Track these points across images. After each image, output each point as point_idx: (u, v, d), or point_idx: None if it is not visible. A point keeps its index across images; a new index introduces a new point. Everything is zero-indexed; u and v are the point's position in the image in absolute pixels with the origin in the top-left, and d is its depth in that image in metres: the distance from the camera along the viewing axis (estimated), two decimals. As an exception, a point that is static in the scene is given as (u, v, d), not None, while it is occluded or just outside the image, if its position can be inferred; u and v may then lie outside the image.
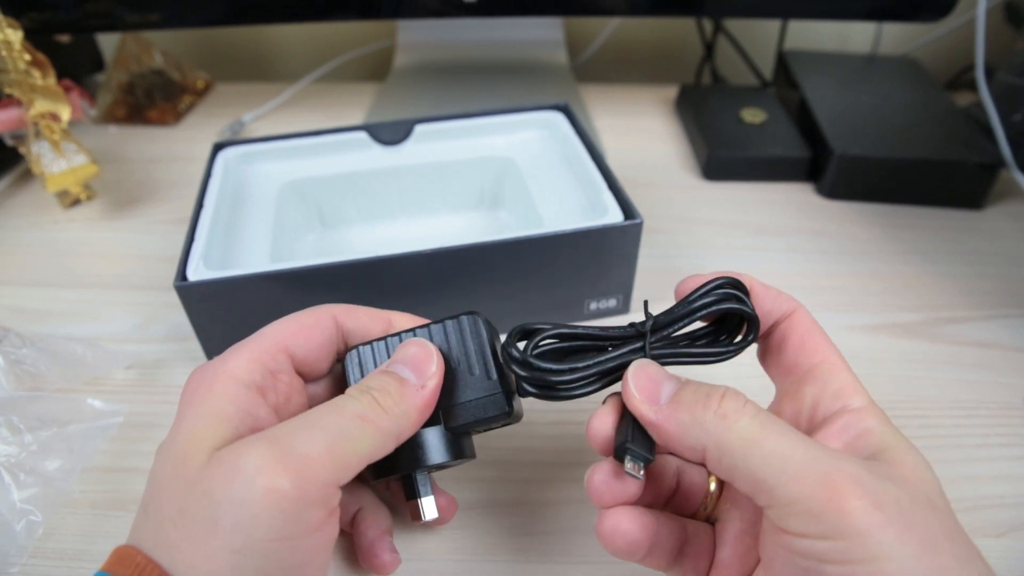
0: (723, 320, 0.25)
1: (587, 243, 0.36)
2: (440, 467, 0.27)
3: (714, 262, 0.45)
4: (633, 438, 0.22)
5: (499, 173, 0.45)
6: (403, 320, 0.28)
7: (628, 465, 0.22)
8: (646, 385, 0.22)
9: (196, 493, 0.20)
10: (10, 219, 0.50)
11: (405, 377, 0.24)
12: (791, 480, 0.19)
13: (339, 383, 0.28)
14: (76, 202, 0.52)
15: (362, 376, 0.26)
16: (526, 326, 0.24)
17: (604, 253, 0.37)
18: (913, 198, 0.51)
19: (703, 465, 0.21)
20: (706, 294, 0.24)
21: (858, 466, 0.19)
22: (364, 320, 0.27)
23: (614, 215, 0.36)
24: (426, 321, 0.27)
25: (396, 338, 0.26)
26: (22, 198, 0.53)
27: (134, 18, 0.54)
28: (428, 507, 0.26)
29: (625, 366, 0.23)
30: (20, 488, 0.30)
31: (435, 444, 0.25)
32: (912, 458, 0.21)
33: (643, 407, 0.22)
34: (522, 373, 0.23)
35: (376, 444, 0.22)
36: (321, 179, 0.43)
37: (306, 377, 0.26)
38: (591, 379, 0.23)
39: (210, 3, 0.54)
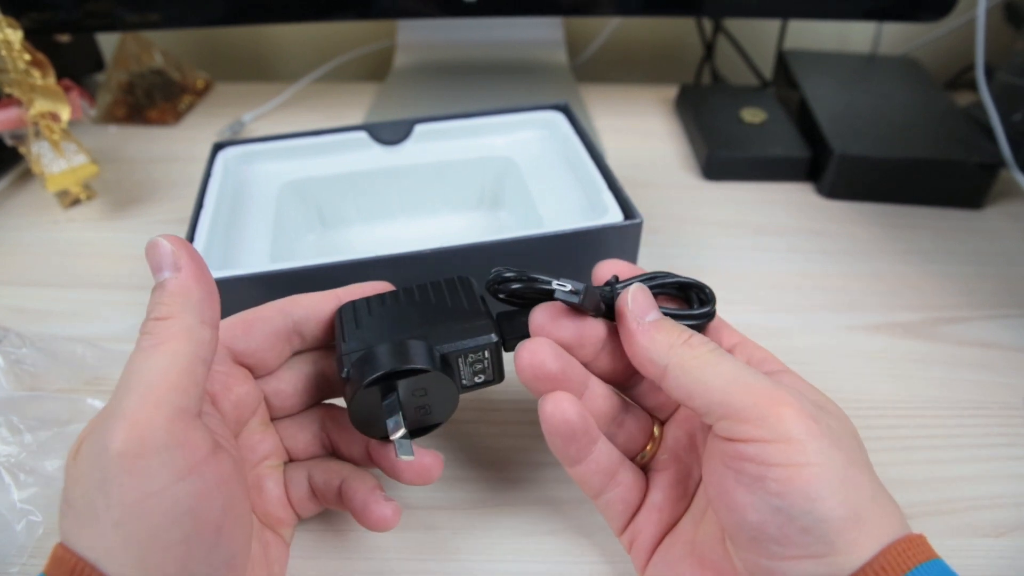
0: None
1: (587, 243, 0.36)
2: (422, 394, 0.26)
3: (714, 262, 0.45)
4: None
5: (499, 173, 0.45)
6: (353, 291, 0.28)
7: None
8: (641, 303, 0.25)
9: (70, 480, 0.20)
10: (10, 219, 0.50)
11: (161, 280, 0.23)
12: (741, 391, 0.22)
13: (312, 377, 0.28)
14: (76, 202, 0.52)
15: (355, 328, 0.26)
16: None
17: (604, 253, 0.37)
18: (913, 198, 0.51)
19: (659, 386, 0.24)
20: (648, 280, 0.27)
21: (798, 392, 0.22)
22: (311, 303, 0.27)
23: (614, 215, 0.36)
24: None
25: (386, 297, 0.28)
26: (22, 198, 0.53)
27: (134, 18, 0.54)
28: (401, 444, 0.25)
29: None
30: (20, 488, 0.30)
31: (418, 352, 0.25)
32: (834, 407, 0.24)
33: (631, 317, 0.25)
34: (516, 286, 0.25)
35: (181, 352, 0.21)
36: (321, 179, 0.43)
37: (257, 371, 0.27)
38: (579, 292, 0.25)
39: (210, 3, 0.54)
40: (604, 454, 0.26)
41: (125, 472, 0.19)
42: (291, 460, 0.28)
